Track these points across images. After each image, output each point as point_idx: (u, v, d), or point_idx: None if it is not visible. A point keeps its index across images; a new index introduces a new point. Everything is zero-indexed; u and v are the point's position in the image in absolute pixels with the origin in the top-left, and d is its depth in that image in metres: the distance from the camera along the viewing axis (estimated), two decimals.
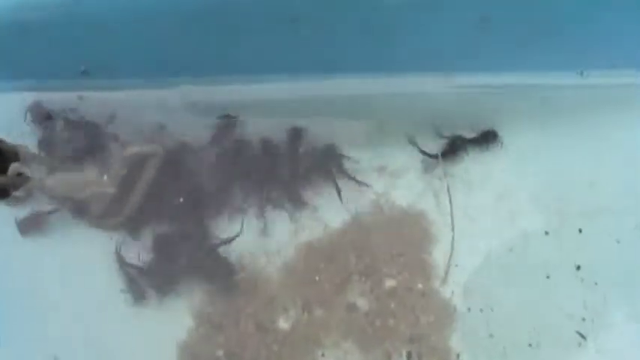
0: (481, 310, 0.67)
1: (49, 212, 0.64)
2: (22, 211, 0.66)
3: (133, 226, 0.66)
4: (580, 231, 0.67)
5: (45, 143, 0.64)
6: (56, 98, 0.66)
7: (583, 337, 0.65)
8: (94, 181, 0.64)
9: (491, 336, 0.66)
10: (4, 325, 0.66)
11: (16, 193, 0.65)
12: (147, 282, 0.65)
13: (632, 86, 0.69)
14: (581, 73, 0.69)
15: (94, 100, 0.66)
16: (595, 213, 0.68)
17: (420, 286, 0.68)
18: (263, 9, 0.60)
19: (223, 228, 0.68)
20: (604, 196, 0.68)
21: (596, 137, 0.69)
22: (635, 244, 0.68)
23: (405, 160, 0.70)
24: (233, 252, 0.68)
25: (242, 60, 0.64)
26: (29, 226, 0.64)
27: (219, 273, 0.67)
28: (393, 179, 0.70)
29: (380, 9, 0.61)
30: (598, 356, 0.66)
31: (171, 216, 0.66)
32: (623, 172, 0.69)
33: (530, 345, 0.65)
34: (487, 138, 0.69)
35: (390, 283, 0.69)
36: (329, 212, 0.69)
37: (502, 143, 0.68)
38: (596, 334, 0.66)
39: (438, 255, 0.69)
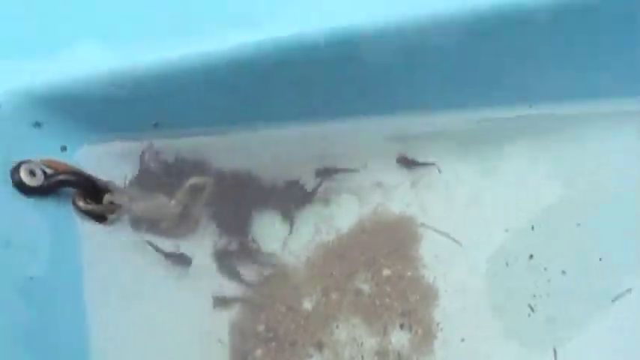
0: (455, 291, 0.85)
1: None
2: (114, 231, 0.82)
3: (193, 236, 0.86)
4: (532, 228, 0.85)
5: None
6: (132, 146, 0.83)
7: (532, 309, 0.83)
8: (164, 204, 0.82)
9: (463, 308, 0.84)
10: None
11: (111, 217, 0.81)
12: None
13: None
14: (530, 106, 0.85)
15: (163, 146, 0.83)
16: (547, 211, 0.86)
17: (409, 273, 0.86)
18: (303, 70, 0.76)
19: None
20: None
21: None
22: (582, 237, 0.84)
23: (397, 177, 0.87)
24: (271, 250, 0.88)
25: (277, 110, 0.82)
26: None
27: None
28: (388, 192, 0.88)
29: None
30: (546, 324, 0.82)
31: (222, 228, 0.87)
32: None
33: (492, 316, 0.83)
34: None
35: (386, 272, 0.86)
36: (340, 219, 0.88)
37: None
38: (544, 308, 0.83)
39: (423, 251, 0.86)
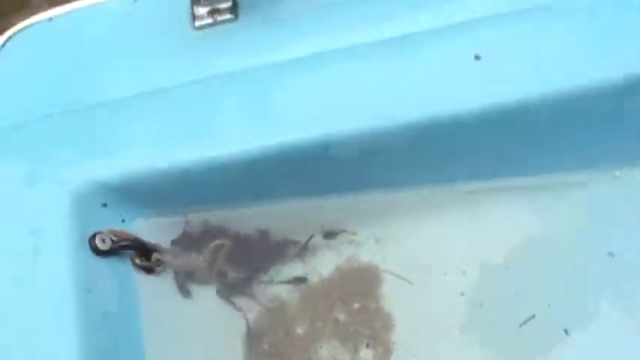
0: (407, 319, 1.05)
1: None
2: (161, 280, 1.03)
3: (217, 280, 1.11)
4: (464, 272, 1.11)
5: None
6: (172, 219, 1.06)
7: (462, 331, 1.06)
8: (196, 260, 1.07)
9: (413, 332, 1.04)
10: None
11: (158, 269, 1.01)
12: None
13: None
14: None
15: (194, 217, 1.06)
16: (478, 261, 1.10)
17: (373, 306, 1.06)
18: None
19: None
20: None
21: None
22: (502, 278, 1.08)
23: (364, 236, 1.13)
24: (273, 291, 1.12)
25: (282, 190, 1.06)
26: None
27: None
28: (358, 247, 1.12)
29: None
30: (472, 343, 1.02)
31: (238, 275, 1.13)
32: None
33: (433, 338, 1.04)
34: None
35: (356, 305, 1.07)
36: (322, 267, 1.11)
37: None
38: (471, 331, 1.05)
39: (384, 289, 1.08)
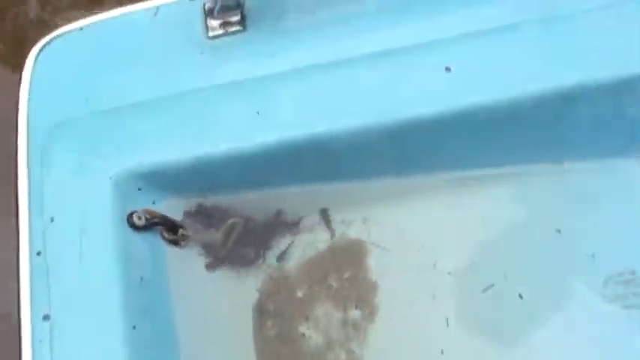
0: (389, 286, 1.19)
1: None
2: (187, 251, 1.19)
3: (231, 253, 1.31)
4: (436, 247, 1.36)
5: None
6: (194, 200, 1.21)
7: (434, 296, 1.23)
8: (214, 235, 1.24)
9: (393, 297, 1.18)
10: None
11: (182, 243, 1.16)
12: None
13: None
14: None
15: (212, 200, 1.21)
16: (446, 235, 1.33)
17: (361, 275, 1.20)
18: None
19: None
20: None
21: None
22: (466, 251, 1.23)
23: (353, 216, 1.29)
24: (277, 261, 1.27)
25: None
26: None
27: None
28: (346, 225, 1.27)
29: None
30: (442, 306, 1.19)
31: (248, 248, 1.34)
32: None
33: (410, 301, 1.18)
34: None
35: (346, 274, 1.21)
36: (318, 242, 1.28)
37: None
38: (442, 295, 1.21)
39: (370, 261, 1.23)
